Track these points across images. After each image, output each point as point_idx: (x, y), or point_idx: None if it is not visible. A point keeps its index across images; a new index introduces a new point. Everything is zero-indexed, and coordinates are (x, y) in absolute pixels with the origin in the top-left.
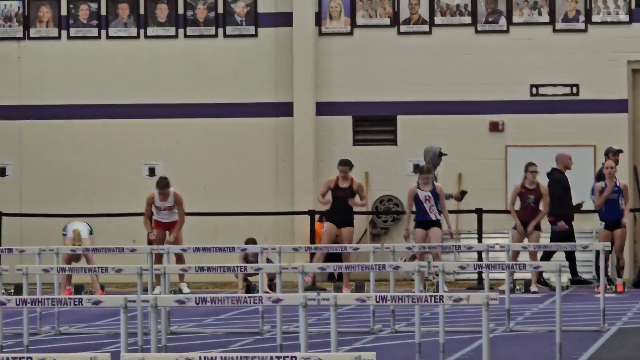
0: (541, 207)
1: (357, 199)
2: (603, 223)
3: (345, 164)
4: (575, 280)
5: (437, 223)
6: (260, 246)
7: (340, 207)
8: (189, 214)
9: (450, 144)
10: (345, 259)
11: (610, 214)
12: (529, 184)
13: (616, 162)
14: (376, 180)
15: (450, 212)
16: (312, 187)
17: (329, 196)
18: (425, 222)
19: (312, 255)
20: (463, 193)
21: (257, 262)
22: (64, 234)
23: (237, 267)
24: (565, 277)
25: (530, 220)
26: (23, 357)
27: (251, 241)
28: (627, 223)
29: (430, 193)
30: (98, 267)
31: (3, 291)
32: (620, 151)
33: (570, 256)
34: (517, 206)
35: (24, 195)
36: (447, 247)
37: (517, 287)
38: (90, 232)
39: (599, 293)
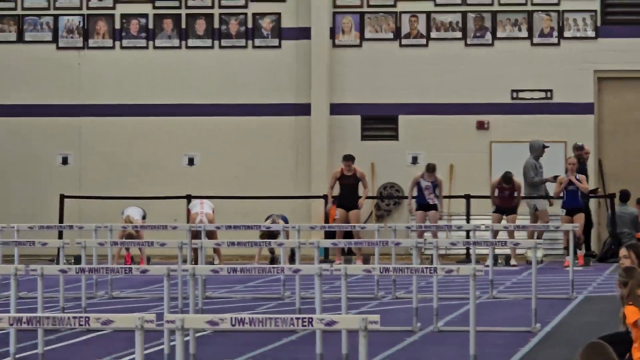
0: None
1: (360, 187)
2: (564, 210)
3: (348, 159)
4: (588, 254)
5: (434, 207)
6: (283, 225)
7: (347, 194)
8: (223, 197)
9: (443, 140)
10: (355, 236)
11: (570, 203)
12: (506, 183)
13: (580, 156)
14: (380, 170)
15: (444, 197)
16: (326, 175)
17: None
18: (423, 205)
19: (327, 233)
20: (555, 177)
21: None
22: (122, 216)
23: (262, 242)
24: (540, 253)
25: (505, 207)
26: (82, 317)
27: (272, 218)
28: (590, 207)
29: (431, 184)
30: (145, 242)
31: (65, 261)
32: (583, 147)
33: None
34: (496, 193)
35: (82, 180)
36: (441, 227)
37: (499, 261)
38: (144, 217)
39: (568, 267)
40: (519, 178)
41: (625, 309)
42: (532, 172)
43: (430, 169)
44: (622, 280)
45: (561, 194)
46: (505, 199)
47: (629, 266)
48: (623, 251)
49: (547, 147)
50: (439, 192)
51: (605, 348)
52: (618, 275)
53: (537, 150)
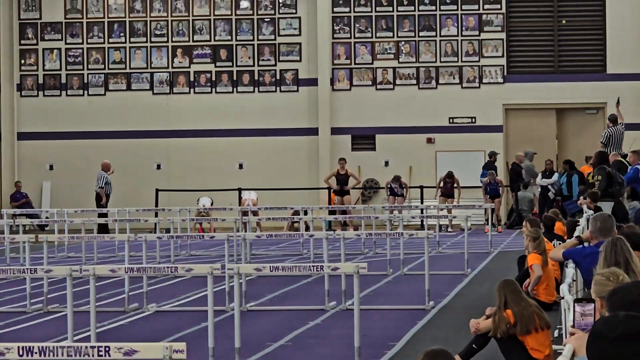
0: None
1: (351, 180)
2: (487, 196)
3: (342, 160)
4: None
5: (401, 195)
6: (302, 206)
7: (341, 186)
8: (261, 189)
9: (405, 150)
10: (348, 213)
11: (491, 192)
12: (449, 178)
13: (495, 159)
14: (364, 170)
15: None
16: (328, 175)
17: (332, 180)
18: (393, 193)
19: (330, 211)
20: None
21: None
22: (197, 202)
23: (289, 217)
24: (469, 223)
25: (447, 193)
26: (172, 267)
27: (296, 213)
28: (503, 194)
29: (398, 185)
30: (212, 218)
31: (160, 231)
32: (497, 153)
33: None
34: (442, 184)
35: (170, 179)
36: (405, 206)
37: (443, 229)
38: (211, 203)
39: (488, 232)
40: (457, 175)
41: (529, 256)
42: (532, 170)
43: (396, 179)
44: (531, 235)
45: (487, 188)
46: (447, 188)
47: (532, 219)
48: (524, 223)
49: (535, 153)
50: (405, 189)
51: (447, 355)
52: (528, 232)
53: (531, 155)
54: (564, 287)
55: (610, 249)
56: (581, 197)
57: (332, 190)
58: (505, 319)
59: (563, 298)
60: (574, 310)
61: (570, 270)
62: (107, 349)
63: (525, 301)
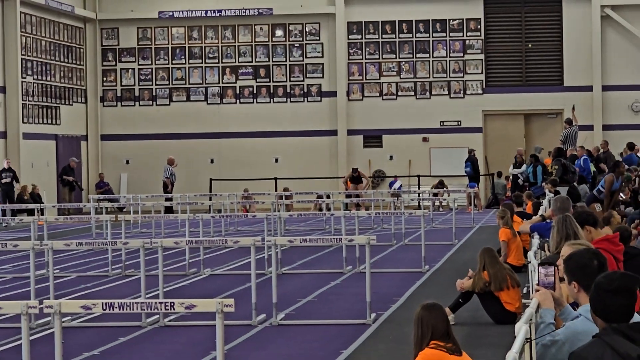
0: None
1: (363, 180)
2: (471, 183)
3: (356, 170)
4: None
5: (400, 188)
6: (324, 192)
7: (356, 182)
8: (293, 178)
9: (405, 148)
10: (361, 197)
11: (472, 181)
12: (354, 172)
13: (474, 154)
14: (373, 163)
15: (405, 176)
16: (346, 167)
17: (348, 181)
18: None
19: (346, 195)
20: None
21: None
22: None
23: (315, 200)
24: (456, 204)
25: (356, 182)
26: (223, 239)
27: (320, 197)
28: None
29: (399, 180)
30: (255, 201)
31: (213, 211)
32: (474, 150)
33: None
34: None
35: (221, 171)
36: (405, 191)
37: (434, 208)
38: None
39: (470, 211)
40: (446, 166)
41: (500, 230)
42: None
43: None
44: (500, 215)
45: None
46: (355, 178)
47: (503, 208)
48: (501, 206)
49: (542, 149)
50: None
51: (439, 307)
52: (497, 213)
53: (539, 150)
54: (530, 254)
55: (562, 224)
56: (544, 183)
57: (347, 179)
58: (483, 279)
59: (530, 262)
60: (538, 272)
61: (536, 240)
62: (172, 304)
63: (499, 264)
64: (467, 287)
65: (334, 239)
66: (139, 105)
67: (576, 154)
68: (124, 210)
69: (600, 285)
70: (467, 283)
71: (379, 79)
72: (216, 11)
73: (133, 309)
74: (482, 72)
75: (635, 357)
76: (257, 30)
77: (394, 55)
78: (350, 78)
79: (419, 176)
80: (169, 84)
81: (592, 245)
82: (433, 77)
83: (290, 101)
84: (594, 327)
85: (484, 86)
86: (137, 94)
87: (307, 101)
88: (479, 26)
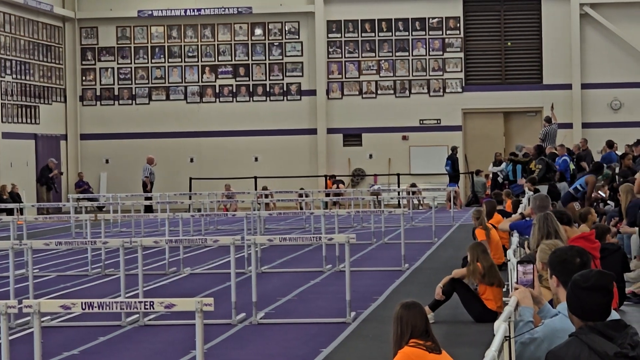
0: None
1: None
2: (451, 184)
3: (336, 179)
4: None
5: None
6: (303, 191)
7: (337, 184)
8: (272, 177)
9: (385, 146)
10: (341, 195)
11: (452, 181)
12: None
13: (456, 152)
14: (353, 162)
15: (384, 174)
16: (325, 165)
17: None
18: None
19: (326, 194)
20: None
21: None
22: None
23: (296, 199)
24: (436, 202)
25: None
26: (203, 239)
27: (301, 195)
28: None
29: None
30: (235, 200)
31: (192, 210)
32: (457, 147)
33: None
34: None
35: (201, 170)
36: (386, 189)
37: (414, 206)
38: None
39: (450, 209)
40: (426, 165)
41: (475, 231)
42: None
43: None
44: (475, 216)
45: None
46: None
47: (477, 209)
48: (482, 203)
49: (523, 146)
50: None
51: (418, 306)
52: (472, 214)
53: (520, 148)
54: (510, 252)
55: (543, 222)
56: (523, 180)
57: (328, 177)
58: (478, 269)
59: (509, 260)
60: (517, 270)
61: (515, 238)
62: (151, 303)
63: (491, 260)
64: (458, 276)
65: (313, 237)
66: (119, 104)
67: (556, 152)
68: (104, 209)
69: (576, 283)
70: (458, 271)
71: (359, 77)
72: (195, 10)
73: (113, 309)
74: (461, 71)
75: (613, 356)
76: (237, 29)
77: (373, 54)
78: (330, 77)
79: (398, 174)
80: (148, 83)
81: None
82: (412, 76)
83: (270, 100)
84: (572, 325)
85: (463, 84)
86: (116, 93)
87: (287, 100)
88: (458, 24)
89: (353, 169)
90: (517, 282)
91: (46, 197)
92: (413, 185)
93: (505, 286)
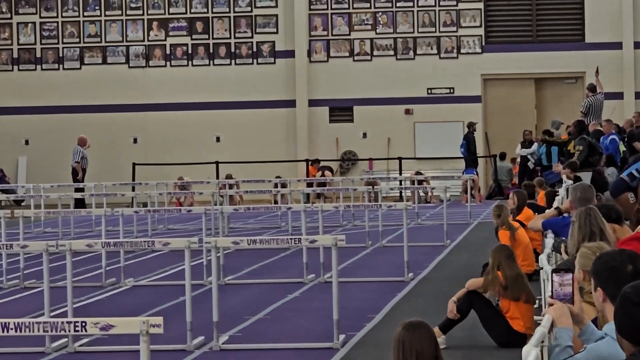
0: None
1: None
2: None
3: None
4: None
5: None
6: (280, 179)
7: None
8: (239, 162)
9: (383, 122)
10: (327, 185)
11: (470, 166)
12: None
13: (474, 130)
14: (342, 142)
15: (383, 159)
16: (306, 146)
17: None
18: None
19: (310, 184)
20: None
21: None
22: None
23: (269, 190)
24: (448, 194)
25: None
26: (150, 241)
27: (278, 177)
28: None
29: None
30: (191, 192)
31: (137, 205)
32: (476, 123)
33: None
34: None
35: (147, 153)
36: (383, 178)
37: (421, 200)
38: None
39: (467, 203)
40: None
41: (499, 231)
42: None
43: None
44: (496, 213)
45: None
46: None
47: (499, 204)
48: (511, 194)
49: (562, 123)
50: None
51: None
52: (493, 211)
53: (557, 124)
54: (542, 258)
55: (585, 218)
56: (559, 166)
57: (310, 163)
58: (498, 279)
59: (542, 268)
60: (552, 281)
61: (550, 240)
62: (83, 324)
63: (518, 268)
64: (472, 287)
65: (291, 239)
66: (41, 69)
67: (601, 129)
68: (23, 204)
69: (627, 297)
70: (474, 282)
71: (349, 34)
72: None
73: (34, 331)
74: (481, 25)
75: None
76: None
77: (368, 5)
78: (312, 34)
79: (400, 159)
80: (79, 42)
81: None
82: (418, 32)
83: (236, 63)
84: (622, 351)
85: (483, 43)
86: (38, 54)
87: (257, 63)
88: None
89: (342, 151)
90: (551, 296)
91: None
92: (419, 172)
93: (537, 301)
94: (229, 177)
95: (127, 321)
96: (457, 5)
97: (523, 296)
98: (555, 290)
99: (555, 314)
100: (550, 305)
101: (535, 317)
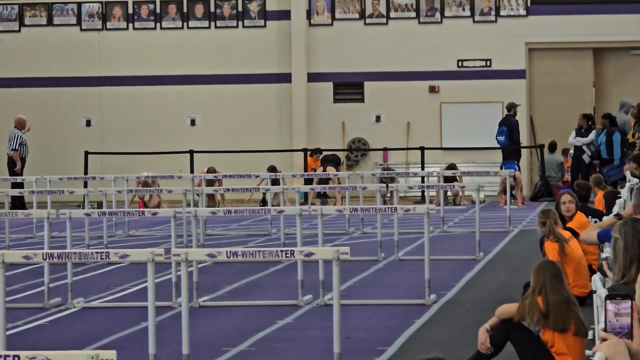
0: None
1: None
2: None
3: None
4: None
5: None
6: (272, 174)
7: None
8: (219, 152)
9: (401, 102)
10: (330, 182)
11: (509, 159)
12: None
13: (515, 113)
14: (349, 128)
15: (401, 149)
16: (304, 133)
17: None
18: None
19: (309, 180)
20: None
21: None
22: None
23: (253, 188)
24: (482, 194)
25: None
26: (104, 252)
27: (272, 168)
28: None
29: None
30: (157, 189)
31: (89, 206)
32: (519, 105)
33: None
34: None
35: (103, 139)
36: (400, 173)
37: (449, 201)
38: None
39: (505, 205)
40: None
41: (545, 244)
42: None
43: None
44: (541, 220)
45: None
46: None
47: (545, 208)
48: (567, 197)
49: (633, 106)
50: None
51: None
52: (537, 217)
53: (628, 107)
54: (595, 278)
55: (632, 235)
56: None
57: (309, 153)
58: (537, 306)
59: (596, 292)
60: (605, 310)
61: (607, 254)
62: (17, 358)
63: (566, 291)
64: (504, 315)
65: (282, 251)
66: None
67: None
68: None
69: None
70: (507, 309)
71: None
72: None
73: None
74: None
75: None
76: None
77: None
78: None
79: (422, 148)
80: None
81: None
82: None
83: (216, 27)
84: None
85: (528, 3)
86: None
87: (243, 27)
88: None
89: (350, 139)
90: (605, 329)
91: None
92: (451, 166)
93: (590, 333)
94: (211, 171)
95: (72, 356)
96: None
97: (571, 327)
98: (609, 322)
99: (609, 352)
100: (604, 340)
101: (587, 352)
